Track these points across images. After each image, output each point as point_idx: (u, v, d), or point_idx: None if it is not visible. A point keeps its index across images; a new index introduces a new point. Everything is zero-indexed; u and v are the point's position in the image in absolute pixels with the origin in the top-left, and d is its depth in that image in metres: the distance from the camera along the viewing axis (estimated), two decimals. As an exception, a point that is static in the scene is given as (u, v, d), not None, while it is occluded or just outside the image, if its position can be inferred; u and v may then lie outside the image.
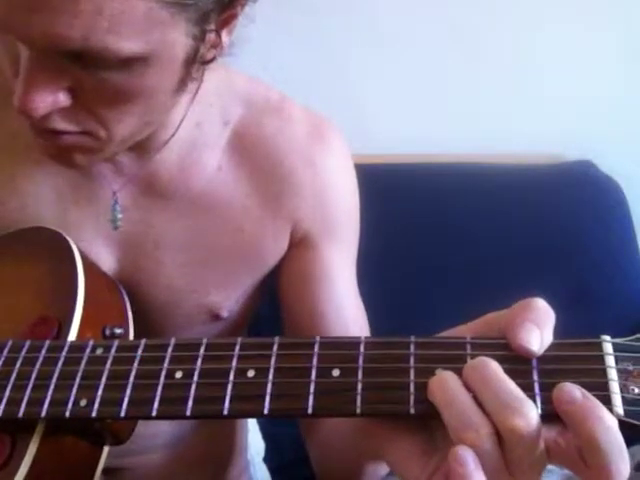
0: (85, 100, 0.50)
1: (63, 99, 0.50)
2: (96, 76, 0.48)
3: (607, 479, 0.37)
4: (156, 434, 0.79)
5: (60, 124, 0.51)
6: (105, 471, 0.73)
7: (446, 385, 0.41)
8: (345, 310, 0.70)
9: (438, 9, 1.41)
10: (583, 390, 0.39)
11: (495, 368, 0.41)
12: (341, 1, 1.41)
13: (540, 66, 1.45)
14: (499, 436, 0.39)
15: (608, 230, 1.35)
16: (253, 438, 1.08)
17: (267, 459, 1.14)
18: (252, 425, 1.10)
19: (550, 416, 0.40)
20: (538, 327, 0.42)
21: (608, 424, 0.37)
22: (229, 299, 0.72)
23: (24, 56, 0.47)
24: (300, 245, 0.71)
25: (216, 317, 0.71)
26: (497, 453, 0.39)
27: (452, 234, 1.31)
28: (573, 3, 1.41)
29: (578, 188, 1.39)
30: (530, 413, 0.39)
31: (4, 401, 0.49)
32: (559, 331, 0.44)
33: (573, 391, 0.39)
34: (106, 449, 0.56)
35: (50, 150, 0.56)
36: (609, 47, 1.44)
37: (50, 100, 0.49)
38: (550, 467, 1.25)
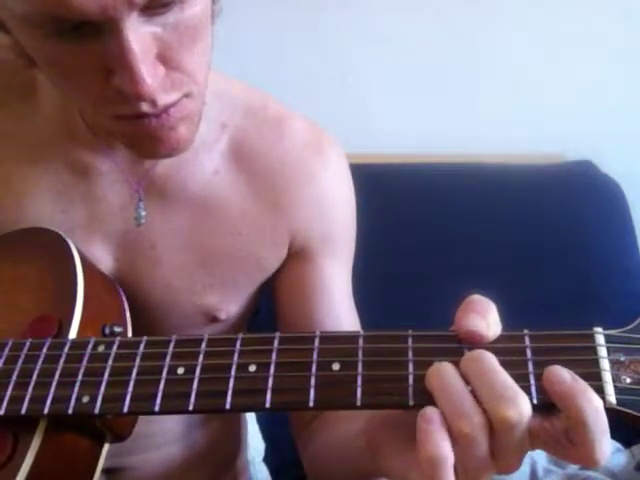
0: (171, 57, 0.52)
1: (160, 66, 0.51)
2: (168, 25, 0.50)
3: (592, 454, 0.40)
4: (157, 433, 0.79)
5: (168, 96, 0.52)
6: (106, 471, 0.73)
7: (443, 374, 0.42)
8: (342, 322, 0.71)
9: (439, 8, 1.42)
10: (572, 372, 0.41)
11: (491, 360, 0.42)
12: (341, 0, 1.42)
13: (540, 66, 1.45)
14: (490, 426, 0.40)
15: (608, 230, 1.36)
16: (253, 438, 1.08)
17: (267, 459, 1.14)
18: (252, 425, 1.10)
19: (543, 405, 0.41)
20: (480, 314, 0.44)
21: (596, 405, 0.40)
22: (226, 302, 0.72)
23: (120, 47, 0.48)
24: (298, 256, 0.72)
25: (214, 319, 0.71)
26: (486, 440, 0.41)
27: (452, 234, 1.31)
28: (573, 4, 1.42)
29: (578, 188, 1.39)
30: (522, 404, 0.40)
31: (6, 399, 0.50)
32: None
33: (562, 373, 0.41)
34: (106, 446, 0.56)
35: (157, 133, 0.55)
36: (609, 47, 1.44)
37: (160, 73, 0.51)
38: (550, 467, 1.24)
